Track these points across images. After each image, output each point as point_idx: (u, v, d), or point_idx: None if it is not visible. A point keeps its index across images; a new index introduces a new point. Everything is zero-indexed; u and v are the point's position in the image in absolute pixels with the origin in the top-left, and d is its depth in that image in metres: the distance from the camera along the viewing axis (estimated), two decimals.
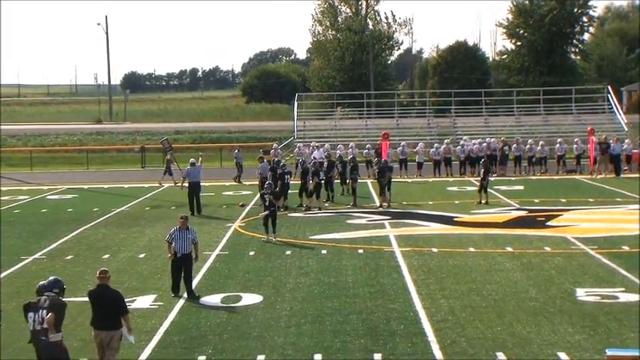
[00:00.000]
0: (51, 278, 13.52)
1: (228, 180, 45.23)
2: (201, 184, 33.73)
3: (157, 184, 43.41)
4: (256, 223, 30.22)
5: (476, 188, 36.26)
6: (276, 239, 26.34)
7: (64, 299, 13.24)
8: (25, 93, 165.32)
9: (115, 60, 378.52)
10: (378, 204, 34.37)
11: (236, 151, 46.68)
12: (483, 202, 33.90)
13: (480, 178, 34.91)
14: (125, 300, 13.97)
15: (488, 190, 34.77)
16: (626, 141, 47.24)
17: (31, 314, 13.00)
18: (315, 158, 39.36)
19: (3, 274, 22.27)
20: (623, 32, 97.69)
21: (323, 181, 34.46)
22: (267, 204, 26.63)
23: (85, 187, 43.76)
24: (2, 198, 36.27)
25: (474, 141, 47.35)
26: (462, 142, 47.32)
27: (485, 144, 46.49)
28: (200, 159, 34.69)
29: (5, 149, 61.92)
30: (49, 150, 63.83)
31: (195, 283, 20.04)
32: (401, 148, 46.79)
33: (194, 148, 61.85)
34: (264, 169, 35.83)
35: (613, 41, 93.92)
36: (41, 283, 13.49)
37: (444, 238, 26.69)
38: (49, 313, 12.83)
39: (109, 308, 13.62)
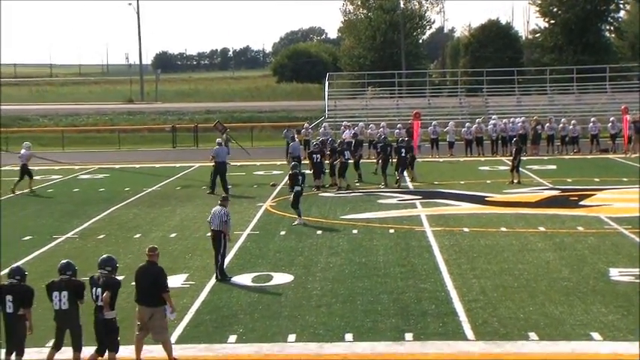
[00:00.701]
0: (104, 256, 13.84)
1: (260, 159, 45.21)
2: (233, 163, 33.68)
3: (252, 163, 43.45)
4: (287, 203, 30.21)
5: (508, 168, 36.01)
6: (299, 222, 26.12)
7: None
8: (57, 73, 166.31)
9: (146, 40, 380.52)
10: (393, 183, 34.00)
11: (285, 130, 45.51)
12: (515, 181, 33.66)
13: (511, 158, 34.68)
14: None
15: (521, 169, 34.50)
16: None
17: (55, 293, 13.31)
18: (344, 138, 39.24)
19: (37, 253, 22.47)
20: None
21: (349, 161, 34.27)
22: (300, 183, 26.45)
23: (117, 166, 43.97)
24: (35, 177, 36.45)
25: (504, 120, 46.97)
26: (491, 121, 46.96)
27: (519, 123, 46.09)
28: (225, 136, 34.71)
29: (37, 129, 62.34)
30: (81, 130, 64.14)
31: (226, 262, 20.04)
32: (432, 127, 46.56)
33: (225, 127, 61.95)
34: (295, 149, 35.80)
35: None
36: (62, 262, 13.74)
37: (476, 218, 26.54)
38: (105, 292, 13.20)
39: (150, 285, 13.88)
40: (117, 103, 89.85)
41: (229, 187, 32.94)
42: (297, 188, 26.31)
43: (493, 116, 49.44)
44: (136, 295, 14.18)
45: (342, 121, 50.35)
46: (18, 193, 34.11)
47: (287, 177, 27.24)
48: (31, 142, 39.02)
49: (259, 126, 59.51)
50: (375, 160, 37.14)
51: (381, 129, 43.99)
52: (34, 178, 35.23)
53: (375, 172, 36.22)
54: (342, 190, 32.94)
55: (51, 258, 21.45)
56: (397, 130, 44.66)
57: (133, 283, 14.49)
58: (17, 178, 34.62)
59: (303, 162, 34.73)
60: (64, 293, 13.28)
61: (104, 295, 13.20)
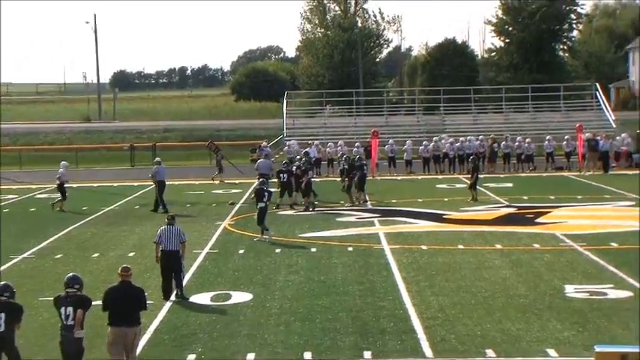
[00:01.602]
0: (70, 275, 13.54)
1: (218, 177, 45.12)
2: (187, 182, 33.70)
3: (211, 181, 43.49)
4: (245, 222, 30.25)
5: (465, 186, 36.29)
6: (268, 237, 26.20)
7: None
8: (13, 92, 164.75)
9: (103, 58, 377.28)
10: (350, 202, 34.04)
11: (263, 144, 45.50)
12: (472, 199, 33.91)
13: (469, 176, 34.97)
14: None
15: (478, 187, 34.80)
16: (618, 137, 47.23)
17: (63, 309, 13.08)
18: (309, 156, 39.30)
19: None
20: (610, 29, 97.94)
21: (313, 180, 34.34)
22: (265, 199, 26.41)
23: (74, 185, 43.52)
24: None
25: (461, 138, 47.38)
26: (443, 140, 47.40)
27: (477, 141, 46.53)
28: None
29: None
30: (38, 149, 63.61)
31: (185, 281, 19.95)
32: (389, 146, 46.85)
33: (183, 146, 61.85)
34: (264, 166, 35.76)
35: (601, 38, 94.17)
36: (1, 283, 13.42)
37: (434, 236, 26.73)
38: (78, 309, 13.02)
39: (132, 305, 13.63)
40: (74, 122, 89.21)
41: (166, 205, 33.07)
42: (261, 204, 26.32)
43: (442, 135, 49.88)
44: (112, 317, 13.60)
45: (303, 140, 50.43)
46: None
47: (253, 192, 27.17)
48: None
49: (217, 144, 59.27)
50: (338, 178, 37.09)
51: (339, 147, 44.14)
52: None
53: (343, 189, 36.19)
54: (310, 208, 32.64)
55: (7, 278, 21.18)
56: (355, 149, 44.87)
57: (95, 303, 14.14)
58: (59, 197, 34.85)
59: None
60: (2, 315, 12.85)
61: (77, 312, 12.97)
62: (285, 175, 33.08)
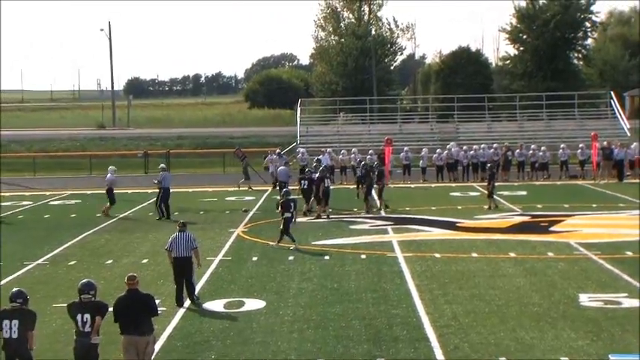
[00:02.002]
0: (84, 281, 13.54)
1: (231, 185, 45.20)
2: (200, 189, 33.77)
3: (237, 188, 43.63)
4: (259, 229, 30.27)
5: (479, 194, 36.22)
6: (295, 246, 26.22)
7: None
8: (28, 98, 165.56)
9: (118, 65, 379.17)
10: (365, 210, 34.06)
11: (277, 152, 45.98)
12: (489, 207, 33.81)
13: (486, 184, 34.89)
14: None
15: (494, 195, 34.70)
16: (632, 146, 47.04)
17: (6, 322, 12.94)
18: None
19: (5, 280, 22.31)
20: (625, 37, 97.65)
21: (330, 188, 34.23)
22: (291, 210, 26.47)
23: (88, 192, 43.77)
24: (5, 203, 36.28)
25: (475, 146, 47.34)
26: (453, 149, 47.35)
27: (491, 150, 46.48)
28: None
29: (8, 155, 61.93)
30: (52, 155, 63.78)
31: (198, 288, 20.03)
32: (404, 153, 46.82)
33: (197, 153, 61.96)
34: (283, 174, 35.96)
35: (615, 46, 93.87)
36: (14, 290, 13.41)
37: (447, 244, 26.67)
38: (97, 316, 13.05)
39: (142, 313, 13.58)
40: (89, 129, 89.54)
41: (169, 212, 33.35)
42: (287, 214, 26.36)
43: (452, 143, 49.68)
44: (124, 326, 13.61)
45: (317, 148, 50.50)
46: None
47: (278, 204, 27.28)
48: (2, 168, 38.84)
49: (231, 152, 59.35)
50: (351, 186, 37.08)
51: (353, 154, 44.16)
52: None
53: (358, 196, 36.20)
54: (323, 216, 32.60)
55: (21, 284, 21.27)
56: (369, 156, 44.85)
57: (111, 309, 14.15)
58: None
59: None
60: (15, 322, 12.89)
61: (97, 319, 13.01)
62: (306, 182, 33.22)
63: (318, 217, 32.38)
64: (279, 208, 26.80)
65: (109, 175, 35.65)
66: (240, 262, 24.22)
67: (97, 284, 13.68)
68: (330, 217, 32.45)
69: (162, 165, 34.89)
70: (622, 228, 28.98)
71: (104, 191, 35.69)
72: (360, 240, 27.63)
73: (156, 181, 34.05)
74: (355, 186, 38.12)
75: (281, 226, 26.43)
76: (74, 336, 13.22)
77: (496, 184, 36.24)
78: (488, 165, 37.63)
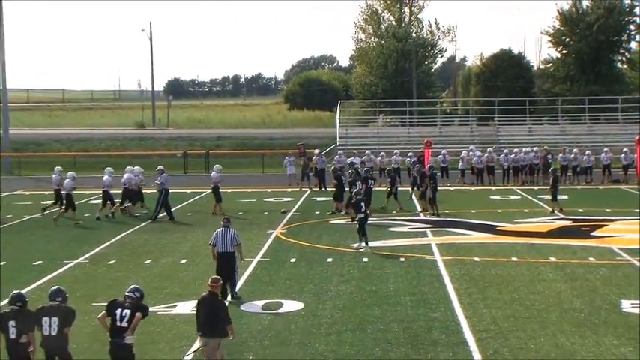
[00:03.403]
0: (132, 286, 13.82)
1: (270, 186, 45.26)
2: (240, 190, 33.77)
3: (297, 190, 43.82)
4: (297, 230, 30.25)
5: (519, 197, 35.86)
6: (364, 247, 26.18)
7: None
8: (70, 98, 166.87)
9: (158, 66, 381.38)
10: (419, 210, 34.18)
11: (316, 152, 46.10)
12: (556, 210, 33.57)
13: (549, 188, 34.60)
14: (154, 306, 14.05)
15: (534, 199, 34.43)
16: None
17: (45, 319, 13.13)
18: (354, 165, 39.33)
19: (46, 278, 22.46)
20: None
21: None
22: (363, 210, 26.56)
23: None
24: (46, 202, 36.59)
25: (515, 150, 46.99)
26: (486, 151, 47.07)
27: (532, 153, 46.09)
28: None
29: (49, 154, 62.47)
30: (93, 155, 64.30)
31: (237, 287, 20.08)
32: (442, 156, 46.56)
33: (237, 154, 62.10)
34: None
35: None
36: (53, 288, 13.65)
37: (487, 247, 26.48)
38: (137, 312, 13.17)
39: (212, 317, 13.84)
40: (129, 129, 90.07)
41: (164, 212, 33.60)
42: (361, 215, 26.47)
43: (471, 147, 49.20)
44: (198, 326, 14.04)
45: (356, 149, 50.43)
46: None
47: (349, 205, 27.75)
48: (44, 167, 39.10)
49: (270, 153, 59.46)
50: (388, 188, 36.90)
51: (394, 157, 44.06)
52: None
53: (410, 198, 36.17)
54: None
55: (61, 283, 21.40)
56: (408, 159, 44.63)
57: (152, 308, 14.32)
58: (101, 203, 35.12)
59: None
60: (55, 319, 13.07)
61: (136, 315, 13.12)
62: (372, 181, 34.08)
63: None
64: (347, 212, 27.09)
65: (105, 176, 35.31)
66: (279, 264, 24.20)
67: (144, 290, 13.79)
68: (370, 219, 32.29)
69: (160, 167, 34.87)
70: None
71: (144, 191, 35.80)
72: (399, 242, 27.51)
73: (158, 182, 33.98)
74: (410, 188, 38.20)
75: (357, 227, 26.62)
76: (109, 337, 13.26)
77: (535, 187, 35.97)
78: (551, 169, 37.49)
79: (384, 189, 37.73)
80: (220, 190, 35.08)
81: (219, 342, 13.78)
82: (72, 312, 13.28)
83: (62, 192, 33.95)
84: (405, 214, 34.20)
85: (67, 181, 33.92)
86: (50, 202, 36.35)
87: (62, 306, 13.22)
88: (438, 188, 34.79)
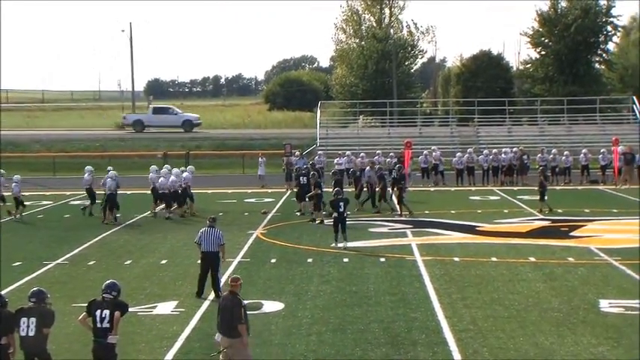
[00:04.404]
0: (108, 282, 13.67)
1: (250, 187, 45.25)
2: (219, 190, 33.72)
3: (285, 190, 43.64)
4: (278, 231, 30.26)
5: (498, 198, 35.99)
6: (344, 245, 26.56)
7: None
8: (49, 98, 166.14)
9: (138, 66, 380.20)
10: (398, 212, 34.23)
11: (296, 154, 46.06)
12: (545, 211, 33.72)
13: (537, 188, 34.78)
14: (136, 307, 14.02)
15: (512, 199, 34.56)
16: None
17: (24, 319, 13.07)
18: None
19: (25, 279, 22.38)
20: None
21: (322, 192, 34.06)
22: (341, 209, 26.93)
23: (108, 192, 43.77)
24: (25, 203, 36.46)
25: (495, 150, 47.12)
26: (466, 151, 47.31)
27: (510, 154, 46.25)
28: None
29: (28, 154, 62.19)
30: (72, 155, 63.97)
31: (220, 287, 20.09)
32: (423, 157, 46.67)
33: (216, 154, 61.99)
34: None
35: (638, 51, 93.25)
36: (34, 289, 13.52)
37: (466, 248, 26.58)
38: (116, 311, 13.14)
39: (229, 316, 13.79)
40: (109, 129, 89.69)
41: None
42: (335, 214, 26.88)
43: (433, 147, 49.11)
44: (218, 325, 14.02)
45: (336, 150, 50.53)
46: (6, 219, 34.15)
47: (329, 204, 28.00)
48: (22, 167, 38.95)
49: (250, 153, 59.40)
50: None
51: (376, 157, 44.16)
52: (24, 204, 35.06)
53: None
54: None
55: (41, 284, 21.33)
56: (389, 159, 44.71)
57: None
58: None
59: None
60: (32, 319, 13.02)
61: (116, 314, 13.11)
62: (305, 178, 34.15)
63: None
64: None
65: (86, 175, 35.62)
66: (259, 264, 24.21)
67: (121, 285, 13.71)
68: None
69: (109, 168, 34.98)
70: None
71: (124, 192, 35.71)
72: (379, 243, 27.58)
73: (102, 184, 33.92)
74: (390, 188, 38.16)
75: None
76: (92, 336, 13.23)
77: (514, 188, 36.10)
78: (540, 169, 37.60)
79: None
80: (200, 191, 35.04)
81: (238, 342, 13.67)
82: (51, 313, 13.25)
83: (107, 191, 33.40)
84: (377, 215, 34.17)
85: (108, 180, 33.60)
86: (87, 202, 35.94)
87: (41, 307, 13.18)
88: (420, 188, 34.85)
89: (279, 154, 51.67)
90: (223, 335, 13.78)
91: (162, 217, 33.97)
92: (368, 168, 36.66)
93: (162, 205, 34.86)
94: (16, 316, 13.13)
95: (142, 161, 61.15)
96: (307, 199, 33.52)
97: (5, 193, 35.59)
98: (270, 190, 43.57)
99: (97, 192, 35.40)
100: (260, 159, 47.66)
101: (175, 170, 35.86)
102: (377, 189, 35.19)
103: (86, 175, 35.82)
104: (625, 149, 45.71)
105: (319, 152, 48.86)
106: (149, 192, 35.75)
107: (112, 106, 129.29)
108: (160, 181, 34.82)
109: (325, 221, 31.00)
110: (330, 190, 32.87)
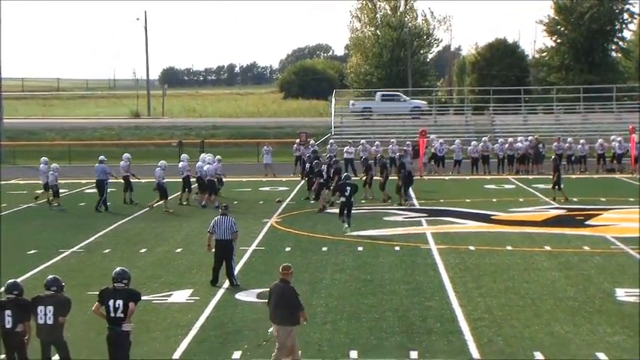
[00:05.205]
0: (118, 269, 13.58)
1: (265, 175, 45.25)
2: (234, 179, 33.75)
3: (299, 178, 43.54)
4: (292, 219, 30.27)
5: (514, 186, 35.88)
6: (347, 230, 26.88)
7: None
8: (64, 87, 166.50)
9: (153, 55, 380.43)
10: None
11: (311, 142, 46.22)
12: (561, 199, 33.62)
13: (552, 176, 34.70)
14: (159, 295, 14.03)
15: (528, 188, 34.46)
16: None
17: (41, 308, 13.10)
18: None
19: (41, 267, 22.46)
20: None
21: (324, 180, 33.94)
22: (347, 194, 27.24)
23: (123, 181, 43.86)
24: (40, 191, 36.58)
25: (510, 139, 46.98)
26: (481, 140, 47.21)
27: (526, 142, 46.11)
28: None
29: (44, 142, 62.40)
30: (87, 144, 64.15)
31: (234, 275, 20.14)
32: (438, 145, 46.58)
33: (231, 143, 62.04)
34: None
35: None
36: (49, 277, 13.54)
37: (481, 236, 26.52)
38: (131, 302, 13.15)
39: (282, 304, 13.81)
40: (123, 118, 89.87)
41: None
42: (342, 199, 27.09)
43: (432, 136, 48.92)
44: (270, 314, 14.02)
45: (351, 138, 50.48)
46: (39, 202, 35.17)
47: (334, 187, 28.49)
48: (37, 155, 39.07)
49: (265, 142, 59.45)
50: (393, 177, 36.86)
51: (390, 146, 43.99)
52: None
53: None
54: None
55: (56, 272, 21.39)
56: (406, 147, 44.57)
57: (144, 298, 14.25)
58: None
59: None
60: (50, 308, 13.06)
61: (130, 305, 13.12)
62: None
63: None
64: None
65: (122, 162, 36.08)
66: (274, 253, 24.22)
67: (131, 273, 13.71)
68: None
69: (101, 157, 35.19)
70: None
71: (138, 180, 35.78)
72: (394, 232, 27.55)
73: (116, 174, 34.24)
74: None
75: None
76: (106, 324, 13.26)
77: (529, 177, 35.98)
78: (553, 157, 37.53)
79: (379, 179, 37.62)
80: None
81: (290, 330, 13.73)
82: (67, 301, 13.29)
83: (160, 183, 33.51)
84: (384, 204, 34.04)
85: (157, 170, 33.95)
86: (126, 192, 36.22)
87: (57, 295, 13.22)
88: (427, 178, 34.69)
89: (289, 143, 51.67)
90: (275, 323, 13.79)
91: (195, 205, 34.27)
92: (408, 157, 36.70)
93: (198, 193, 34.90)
94: (33, 304, 13.17)
95: (157, 150, 61.32)
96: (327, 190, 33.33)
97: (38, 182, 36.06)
98: (284, 179, 43.57)
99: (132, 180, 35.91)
100: (265, 147, 47.70)
101: (209, 158, 35.76)
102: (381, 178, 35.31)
103: (122, 162, 35.94)
104: None
105: (331, 141, 48.84)
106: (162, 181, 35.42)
107: (126, 94, 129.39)
108: (205, 168, 34.51)
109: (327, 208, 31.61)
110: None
